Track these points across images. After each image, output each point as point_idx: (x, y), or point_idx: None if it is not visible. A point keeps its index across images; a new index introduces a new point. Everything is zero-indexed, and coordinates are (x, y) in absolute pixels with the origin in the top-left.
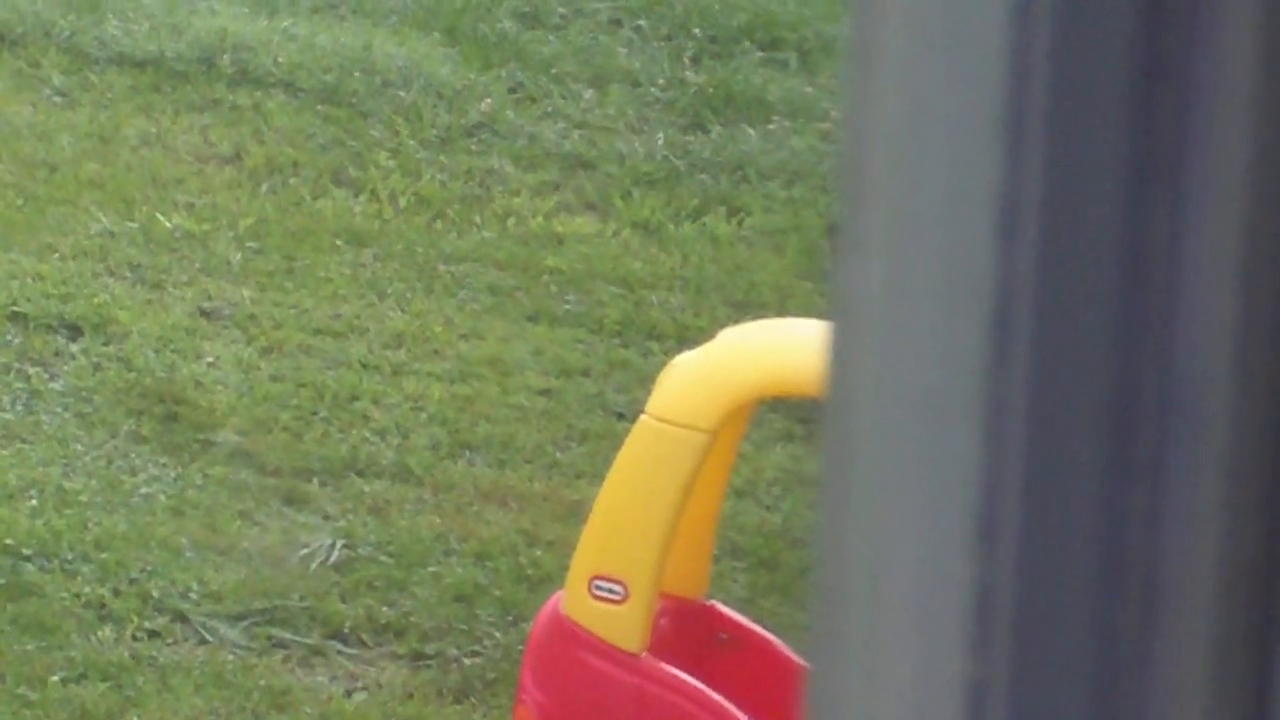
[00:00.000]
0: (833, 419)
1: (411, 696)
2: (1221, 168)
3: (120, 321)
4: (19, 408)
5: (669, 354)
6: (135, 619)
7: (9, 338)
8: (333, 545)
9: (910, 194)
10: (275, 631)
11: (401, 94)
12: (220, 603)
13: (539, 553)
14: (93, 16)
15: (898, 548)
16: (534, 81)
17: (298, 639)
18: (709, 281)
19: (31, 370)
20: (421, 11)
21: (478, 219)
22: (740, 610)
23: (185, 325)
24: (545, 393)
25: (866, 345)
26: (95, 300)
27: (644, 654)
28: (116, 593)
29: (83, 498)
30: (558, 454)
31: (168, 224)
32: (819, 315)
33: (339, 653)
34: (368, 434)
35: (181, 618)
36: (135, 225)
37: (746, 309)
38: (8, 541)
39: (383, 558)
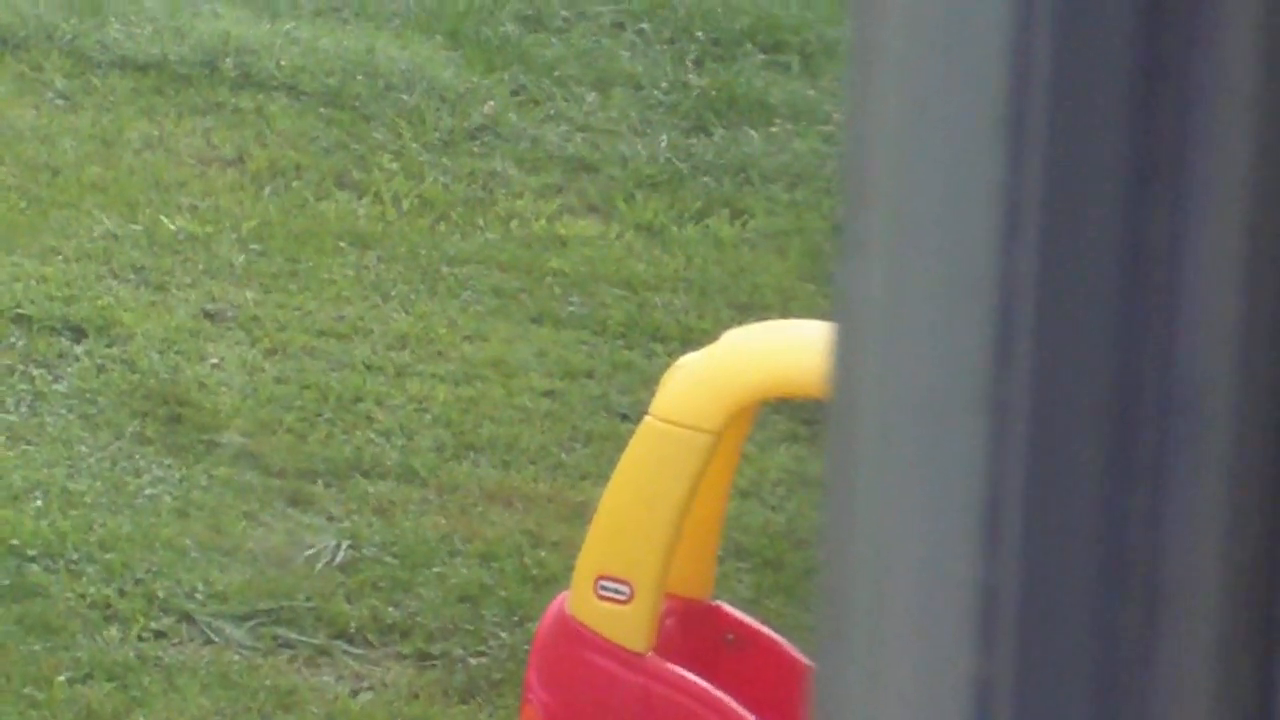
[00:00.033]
0: (836, 420)
1: (417, 696)
2: (1222, 168)
3: (124, 323)
4: (24, 409)
5: (673, 355)
6: (141, 619)
7: (13, 340)
8: (338, 546)
9: (911, 195)
10: (281, 632)
11: (404, 97)
12: (226, 603)
13: (544, 553)
14: (95, 20)
15: (901, 548)
16: (537, 84)
17: (303, 639)
18: (712, 283)
19: (36, 372)
20: (424, 14)
21: (481, 221)
22: (746, 611)
23: (189, 327)
24: (549, 394)
25: (868, 346)
26: (99, 302)
27: (649, 654)
28: (122, 593)
29: (87, 499)
30: (562, 455)
31: (171, 226)
32: (822, 317)
33: (344, 653)
34: (372, 435)
35: (187, 618)
36: (139, 228)
37: (750, 311)
38: (13, 542)
39: (388, 558)
